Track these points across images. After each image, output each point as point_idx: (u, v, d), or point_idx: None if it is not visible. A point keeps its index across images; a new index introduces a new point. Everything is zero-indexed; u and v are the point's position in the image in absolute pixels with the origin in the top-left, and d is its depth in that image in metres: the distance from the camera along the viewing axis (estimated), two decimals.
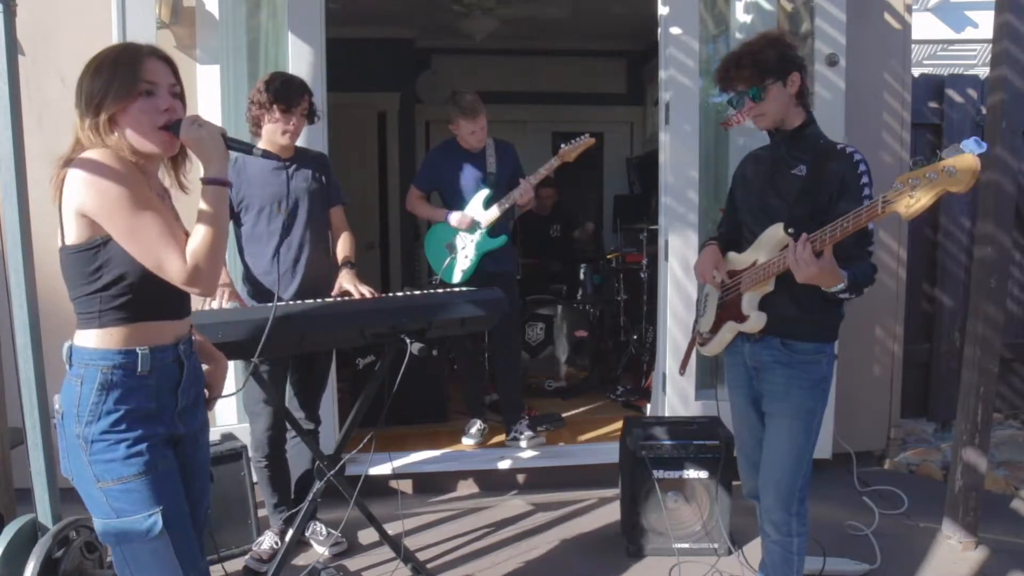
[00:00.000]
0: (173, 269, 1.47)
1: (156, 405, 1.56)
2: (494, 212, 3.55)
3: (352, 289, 2.65)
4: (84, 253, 1.49)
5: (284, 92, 2.63)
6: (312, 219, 2.76)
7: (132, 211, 1.45)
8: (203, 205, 1.52)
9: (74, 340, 1.54)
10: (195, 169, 1.64)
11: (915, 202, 1.70)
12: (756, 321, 2.08)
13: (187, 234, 1.55)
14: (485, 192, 3.59)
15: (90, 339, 1.52)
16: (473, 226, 3.58)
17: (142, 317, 1.53)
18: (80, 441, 1.50)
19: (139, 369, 1.52)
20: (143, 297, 1.52)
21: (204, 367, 1.76)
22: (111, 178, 1.45)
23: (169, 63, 1.57)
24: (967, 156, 1.65)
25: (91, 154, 1.47)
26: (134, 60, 1.52)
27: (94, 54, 1.53)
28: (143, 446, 1.52)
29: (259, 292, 2.73)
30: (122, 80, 1.49)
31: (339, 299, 2.63)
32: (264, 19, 3.40)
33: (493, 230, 3.59)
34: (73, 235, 1.49)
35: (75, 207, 1.46)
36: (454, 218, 3.60)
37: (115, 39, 2.87)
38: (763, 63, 2.03)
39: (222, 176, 1.54)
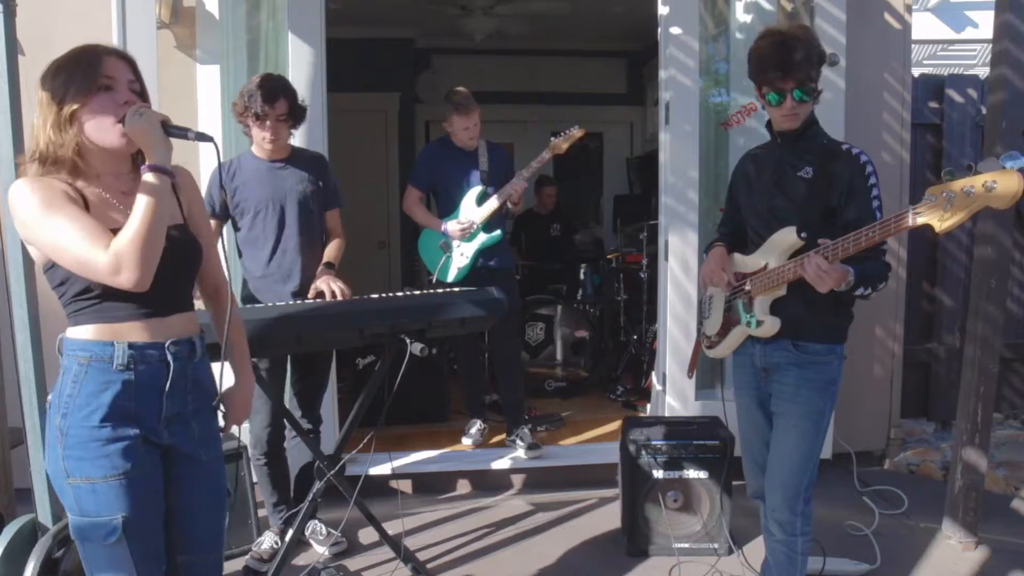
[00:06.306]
0: (95, 265, 1.41)
1: (135, 404, 1.51)
2: (488, 207, 3.56)
3: (325, 288, 2.57)
4: (49, 272, 1.52)
5: (255, 101, 2.58)
6: (308, 221, 2.74)
7: (44, 227, 1.44)
8: (139, 193, 1.47)
9: (65, 332, 1.55)
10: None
11: (950, 216, 1.63)
12: (770, 326, 2.05)
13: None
14: (478, 188, 3.60)
15: (75, 332, 1.53)
16: (469, 234, 3.58)
17: (118, 319, 1.51)
18: (58, 433, 1.49)
19: (115, 363, 1.49)
20: (114, 301, 1.50)
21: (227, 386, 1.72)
22: (23, 205, 1.45)
23: (128, 61, 1.57)
24: (1011, 173, 1.56)
25: (12, 187, 1.48)
26: (93, 58, 1.52)
27: (55, 59, 1.54)
28: (115, 447, 1.48)
29: (257, 294, 2.72)
30: (83, 76, 1.49)
31: (331, 301, 2.59)
32: (264, 19, 3.40)
33: (488, 226, 3.60)
34: (34, 258, 1.55)
35: (20, 237, 1.55)
36: (450, 227, 3.59)
37: (115, 39, 2.87)
38: (813, 61, 1.94)
39: (164, 164, 1.49)
